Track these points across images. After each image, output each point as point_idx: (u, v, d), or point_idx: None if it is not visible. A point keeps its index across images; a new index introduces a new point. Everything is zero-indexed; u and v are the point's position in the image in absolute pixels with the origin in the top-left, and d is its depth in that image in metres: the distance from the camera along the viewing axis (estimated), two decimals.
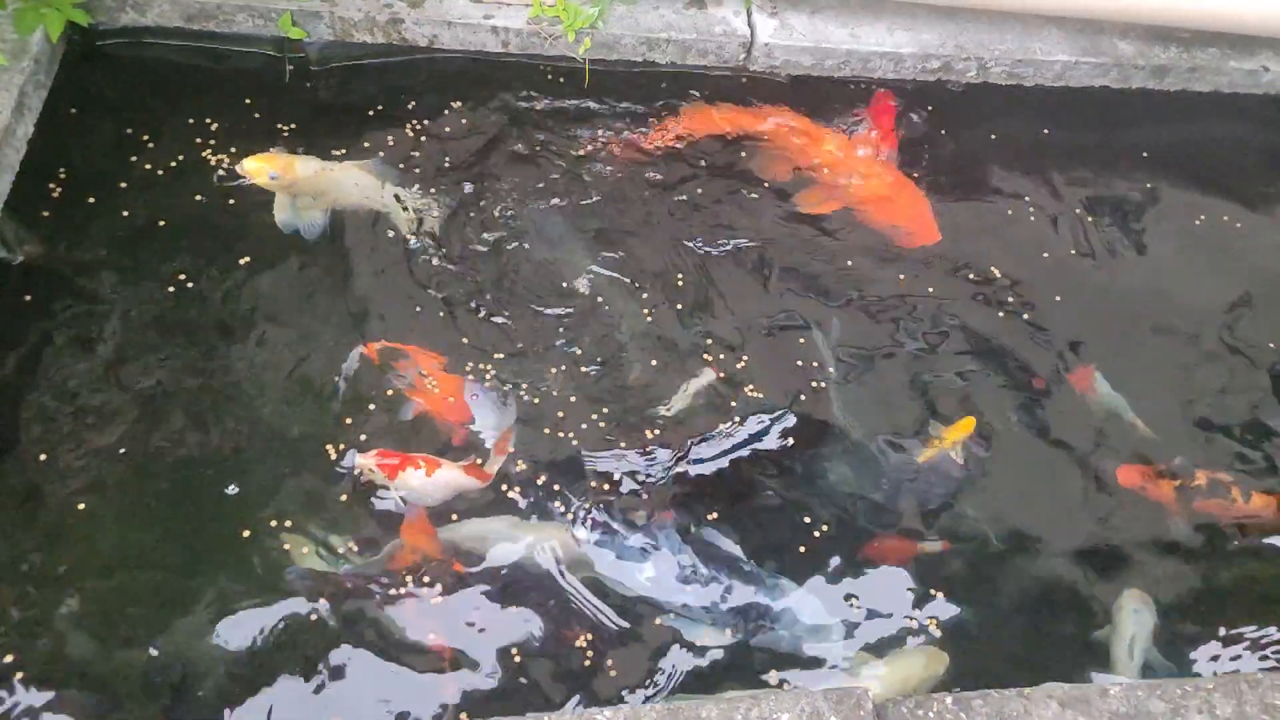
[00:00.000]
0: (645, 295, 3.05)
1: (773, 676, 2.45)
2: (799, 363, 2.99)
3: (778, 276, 3.17)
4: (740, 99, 3.55)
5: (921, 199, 3.39)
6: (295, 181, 2.98)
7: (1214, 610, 2.74)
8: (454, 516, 2.57)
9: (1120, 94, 3.80)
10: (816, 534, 2.68)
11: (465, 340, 2.88)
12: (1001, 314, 3.20)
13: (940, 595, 2.63)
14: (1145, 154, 3.74)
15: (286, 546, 2.46)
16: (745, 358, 2.96)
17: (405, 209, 3.08)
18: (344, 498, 2.54)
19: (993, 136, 3.67)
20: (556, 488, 2.65)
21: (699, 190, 3.33)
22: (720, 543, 2.64)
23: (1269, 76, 3.82)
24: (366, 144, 3.21)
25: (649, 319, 3.00)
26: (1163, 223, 3.56)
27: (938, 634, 2.57)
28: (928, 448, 2.86)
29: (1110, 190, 3.61)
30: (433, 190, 3.15)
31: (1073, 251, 3.40)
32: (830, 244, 3.27)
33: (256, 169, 2.93)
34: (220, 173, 3.05)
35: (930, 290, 3.22)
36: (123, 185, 2.99)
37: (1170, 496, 2.87)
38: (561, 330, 2.95)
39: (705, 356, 2.95)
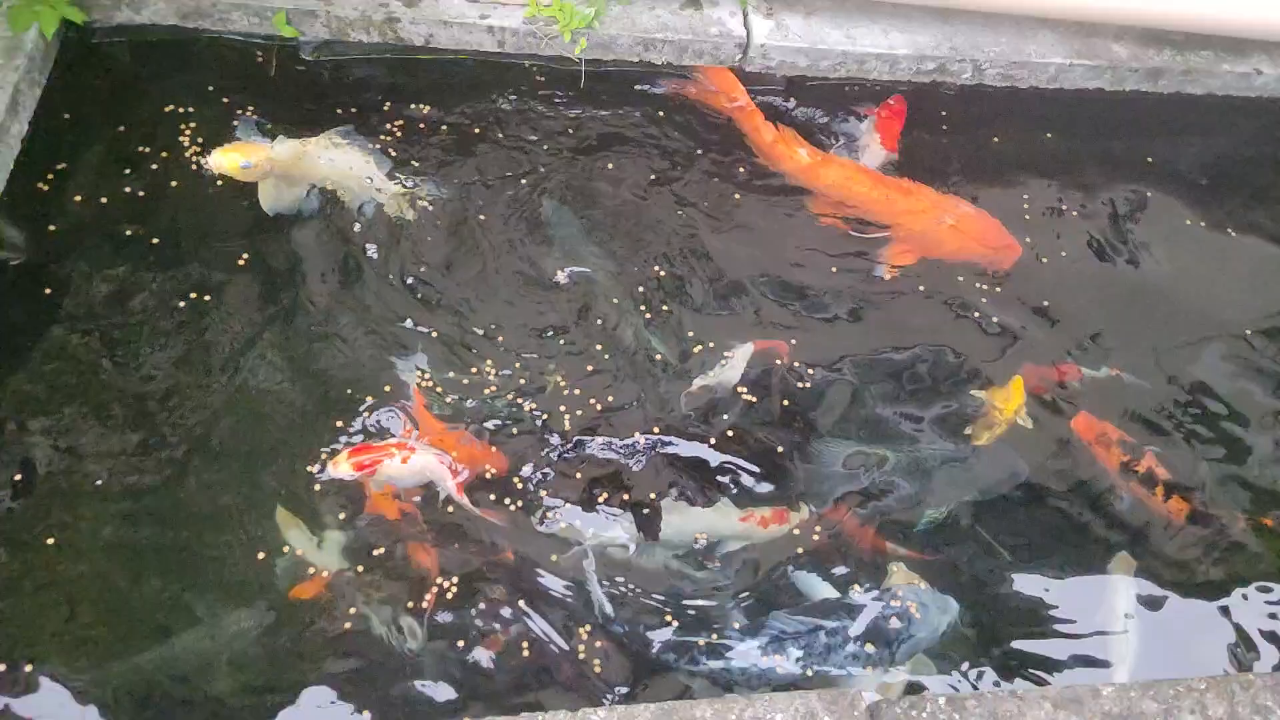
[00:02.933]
0: (643, 293, 3.06)
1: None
2: (807, 362, 3.01)
3: (781, 280, 3.20)
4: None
5: (993, 224, 3.34)
6: (274, 165, 2.95)
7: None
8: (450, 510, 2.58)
9: (1114, 96, 3.81)
10: (815, 533, 2.70)
11: (463, 342, 2.88)
12: (1001, 314, 3.21)
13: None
14: (1140, 156, 3.76)
15: (286, 551, 2.46)
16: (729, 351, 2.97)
17: (398, 191, 3.08)
18: (342, 514, 2.55)
19: (996, 139, 3.69)
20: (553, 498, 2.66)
21: (702, 192, 3.34)
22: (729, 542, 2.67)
23: (1261, 79, 3.84)
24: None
25: (647, 317, 3.01)
26: (1157, 224, 3.57)
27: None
28: (995, 426, 2.88)
29: (1105, 192, 3.62)
30: (427, 188, 3.14)
31: (1065, 254, 3.42)
32: (819, 247, 3.29)
33: (227, 161, 2.88)
34: (213, 169, 3.03)
35: (921, 289, 3.23)
36: (118, 183, 2.98)
37: (1113, 462, 2.91)
38: (559, 332, 2.95)
39: (694, 348, 2.96)
